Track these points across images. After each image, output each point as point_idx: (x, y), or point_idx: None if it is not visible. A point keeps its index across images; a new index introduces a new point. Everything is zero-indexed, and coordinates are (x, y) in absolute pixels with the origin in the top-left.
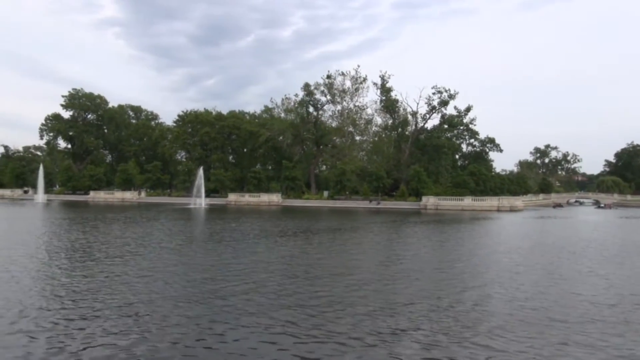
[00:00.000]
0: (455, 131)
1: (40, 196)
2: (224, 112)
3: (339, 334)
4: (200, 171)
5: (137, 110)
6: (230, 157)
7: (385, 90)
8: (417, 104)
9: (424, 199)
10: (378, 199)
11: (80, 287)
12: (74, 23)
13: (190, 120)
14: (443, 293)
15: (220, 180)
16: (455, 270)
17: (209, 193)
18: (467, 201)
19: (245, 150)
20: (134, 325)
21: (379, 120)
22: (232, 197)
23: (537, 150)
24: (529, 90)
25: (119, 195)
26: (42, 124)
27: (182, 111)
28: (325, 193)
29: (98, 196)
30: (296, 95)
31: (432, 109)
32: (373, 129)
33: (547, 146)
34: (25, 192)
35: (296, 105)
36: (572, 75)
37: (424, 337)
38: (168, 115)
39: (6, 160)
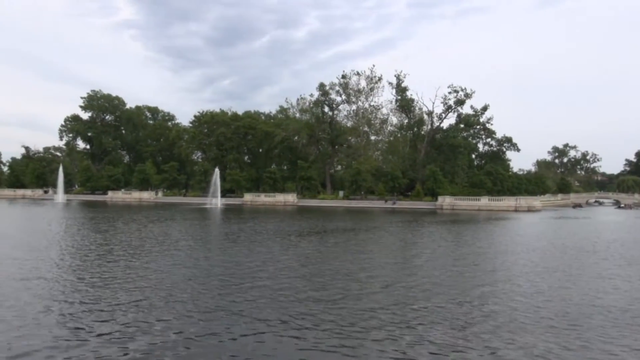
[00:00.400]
0: (472, 130)
1: (60, 196)
2: (240, 112)
3: (353, 332)
4: (216, 171)
5: (154, 111)
6: (246, 157)
7: (400, 89)
8: (433, 103)
9: (440, 198)
10: (394, 199)
11: (100, 284)
12: (92, 26)
13: (206, 121)
14: (458, 293)
15: (236, 180)
16: (471, 271)
17: (224, 193)
18: (484, 201)
19: (260, 150)
20: (151, 320)
21: (394, 119)
22: (248, 197)
23: (555, 149)
24: (547, 89)
25: (136, 195)
26: (62, 125)
27: (198, 112)
28: (341, 193)
29: (116, 196)
30: (311, 95)
31: (448, 109)
32: (388, 128)
33: (566, 145)
34: (46, 192)
35: (311, 105)
36: (590, 72)
37: (438, 338)
38: (184, 116)
39: (27, 160)
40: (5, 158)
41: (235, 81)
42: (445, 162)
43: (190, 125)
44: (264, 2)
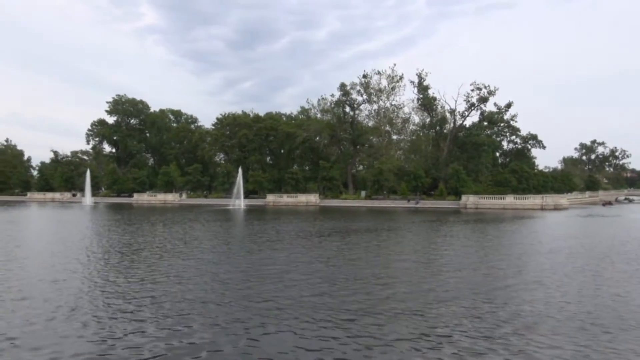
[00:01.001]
0: (496, 128)
1: (88, 199)
2: (261, 114)
3: (377, 334)
4: (239, 172)
5: (177, 114)
6: (268, 159)
7: (422, 88)
8: (455, 101)
9: (464, 197)
10: (417, 199)
11: (127, 285)
12: (118, 32)
13: (229, 123)
14: (483, 293)
15: (258, 181)
16: (496, 271)
17: (247, 194)
18: (509, 200)
19: (282, 151)
20: (177, 321)
21: (416, 118)
22: (271, 198)
23: (582, 146)
24: (572, 85)
25: (161, 198)
26: (88, 129)
27: (221, 114)
28: (363, 193)
29: (141, 198)
30: (332, 95)
31: (470, 106)
32: (410, 127)
33: (594, 142)
34: (74, 195)
35: (332, 106)
36: (618, 67)
37: (464, 340)
38: (207, 118)
39: (56, 164)
40: (35, 162)
41: (257, 83)
42: (469, 160)
43: (213, 127)
44: (284, 3)
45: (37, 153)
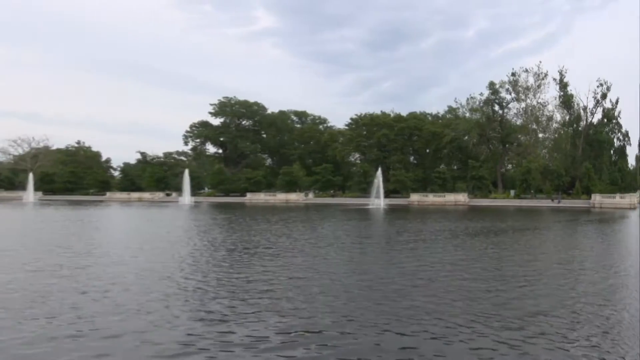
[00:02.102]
0: (610, 125)
1: (187, 198)
2: (403, 114)
3: (520, 337)
4: (379, 172)
5: (301, 115)
6: (412, 158)
7: (563, 85)
8: (587, 98)
9: (592, 196)
10: (559, 198)
11: (246, 283)
12: (224, 36)
13: (365, 123)
14: (610, 298)
15: (401, 180)
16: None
17: (387, 194)
18: (629, 199)
19: (427, 150)
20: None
21: (557, 116)
22: (415, 197)
23: None
24: None
25: (282, 197)
26: (187, 131)
27: (355, 114)
28: (512, 192)
29: (256, 198)
30: (481, 94)
31: (597, 103)
32: (553, 125)
33: None
34: (168, 194)
35: (481, 105)
36: None
37: (595, 344)
38: (337, 119)
39: (144, 165)
40: (116, 163)
41: (397, 83)
42: (596, 158)
43: (346, 127)
44: (429, 4)
45: (122, 154)
